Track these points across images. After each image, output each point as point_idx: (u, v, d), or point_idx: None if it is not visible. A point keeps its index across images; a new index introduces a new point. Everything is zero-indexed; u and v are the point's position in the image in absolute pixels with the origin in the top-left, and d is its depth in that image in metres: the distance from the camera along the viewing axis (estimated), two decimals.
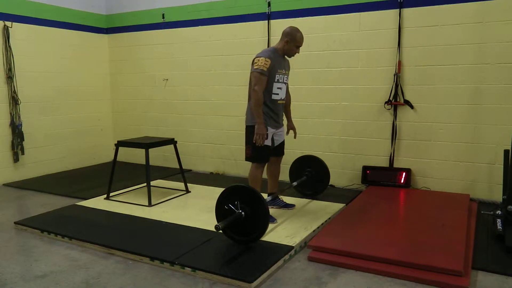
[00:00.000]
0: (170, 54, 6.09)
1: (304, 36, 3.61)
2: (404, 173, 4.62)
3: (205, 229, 3.45)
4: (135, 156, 6.25)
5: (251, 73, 3.52)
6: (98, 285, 2.68)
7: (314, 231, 3.46)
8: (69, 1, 6.12)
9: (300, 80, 5.06)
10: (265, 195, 3.70)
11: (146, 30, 6.27)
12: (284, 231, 3.42)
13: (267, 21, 5.26)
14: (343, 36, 4.84)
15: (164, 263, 2.92)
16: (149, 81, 6.35)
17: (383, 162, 4.79)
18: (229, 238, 3.18)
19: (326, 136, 5.07)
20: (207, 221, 3.55)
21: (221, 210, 3.18)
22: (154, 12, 6.15)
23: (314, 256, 3.00)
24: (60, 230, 3.53)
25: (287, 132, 3.99)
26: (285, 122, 3.94)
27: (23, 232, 3.64)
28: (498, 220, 3.40)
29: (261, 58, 3.45)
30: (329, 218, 3.80)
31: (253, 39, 5.37)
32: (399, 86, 4.60)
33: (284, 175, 4.27)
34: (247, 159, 3.68)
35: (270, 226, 3.39)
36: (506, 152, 3.60)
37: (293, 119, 4.07)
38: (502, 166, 3.71)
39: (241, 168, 5.63)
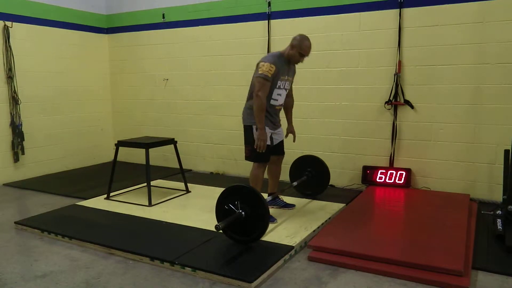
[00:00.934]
0: (170, 54, 6.09)
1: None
2: (404, 173, 4.63)
3: (205, 229, 3.45)
4: (135, 156, 6.25)
5: (255, 77, 3.52)
6: (98, 285, 2.68)
7: (314, 231, 3.46)
8: (69, 1, 6.12)
9: (300, 80, 5.04)
10: (265, 195, 3.70)
11: (146, 30, 6.27)
12: (284, 231, 3.42)
13: (267, 21, 5.26)
14: (343, 36, 4.84)
15: (164, 263, 2.92)
16: (149, 81, 6.35)
17: (383, 162, 4.79)
18: (229, 238, 3.19)
19: (326, 136, 5.07)
20: (207, 221, 3.55)
21: (221, 210, 3.18)
22: (154, 12, 6.15)
23: (314, 256, 3.00)
24: (60, 230, 3.53)
25: (286, 135, 4.00)
26: (283, 122, 3.93)
27: (23, 232, 3.65)
28: (498, 220, 3.40)
29: (266, 63, 3.45)
30: (329, 218, 3.80)
31: (253, 39, 5.37)
32: (399, 86, 4.60)
33: (284, 175, 4.27)
34: (246, 158, 3.69)
35: (270, 226, 3.39)
36: (506, 152, 3.60)
37: (294, 119, 4.07)
38: (502, 166, 3.72)
39: (241, 168, 5.63)
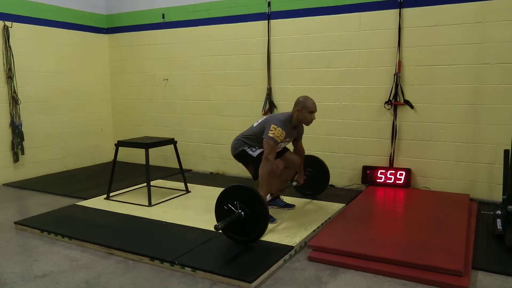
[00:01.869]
0: (170, 54, 6.09)
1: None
2: (404, 173, 4.63)
3: (205, 229, 3.45)
4: (135, 156, 6.25)
5: (265, 138, 3.57)
6: (98, 285, 2.68)
7: (314, 231, 3.46)
8: (69, 1, 6.12)
9: (300, 80, 5.07)
10: None
11: (146, 30, 6.27)
12: (284, 231, 3.42)
13: (267, 21, 5.26)
14: (343, 36, 4.84)
15: (164, 263, 2.92)
16: (149, 81, 6.35)
17: (383, 162, 4.79)
18: (229, 238, 3.18)
19: (326, 136, 5.07)
20: (207, 221, 3.55)
21: (221, 210, 3.18)
22: (154, 12, 6.15)
23: (314, 256, 3.00)
24: (60, 230, 3.53)
25: (292, 180, 4.08)
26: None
27: (23, 232, 3.65)
28: (498, 220, 3.40)
29: (278, 128, 3.55)
30: (329, 218, 3.79)
31: (253, 39, 5.37)
32: (399, 86, 4.60)
33: None
34: (254, 178, 3.74)
35: (270, 226, 3.39)
36: (506, 152, 3.60)
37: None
38: (502, 166, 3.72)
39: (241, 168, 5.59)
